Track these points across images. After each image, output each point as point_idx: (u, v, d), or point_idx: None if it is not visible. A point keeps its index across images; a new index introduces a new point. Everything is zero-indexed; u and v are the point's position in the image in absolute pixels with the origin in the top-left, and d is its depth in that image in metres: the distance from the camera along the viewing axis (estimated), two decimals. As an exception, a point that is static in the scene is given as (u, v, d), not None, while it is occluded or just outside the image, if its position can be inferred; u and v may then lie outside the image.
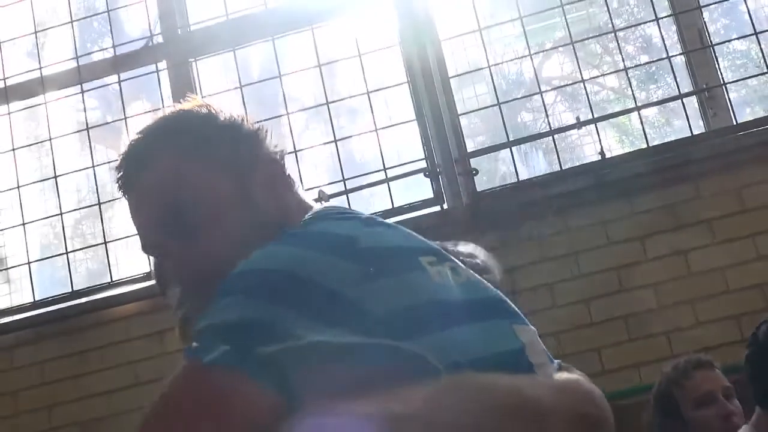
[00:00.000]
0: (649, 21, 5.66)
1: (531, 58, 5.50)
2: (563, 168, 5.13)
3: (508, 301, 1.55)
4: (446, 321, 1.39)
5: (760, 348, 3.14)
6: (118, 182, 1.67)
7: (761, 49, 5.28)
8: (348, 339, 1.29)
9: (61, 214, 5.56)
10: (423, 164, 5.14)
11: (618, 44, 5.69)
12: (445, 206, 5.04)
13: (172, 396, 1.28)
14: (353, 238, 1.42)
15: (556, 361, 1.55)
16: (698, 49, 5.12)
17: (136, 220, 1.64)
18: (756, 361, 3.16)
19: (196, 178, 1.61)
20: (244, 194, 1.62)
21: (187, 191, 1.60)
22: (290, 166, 1.73)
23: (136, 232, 1.65)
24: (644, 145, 5.12)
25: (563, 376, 1.49)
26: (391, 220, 4.56)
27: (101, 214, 5.51)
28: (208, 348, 1.27)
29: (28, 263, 5.48)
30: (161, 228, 1.59)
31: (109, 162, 6.05)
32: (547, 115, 5.55)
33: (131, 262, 5.51)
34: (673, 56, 5.29)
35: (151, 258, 1.80)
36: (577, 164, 5.41)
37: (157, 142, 1.65)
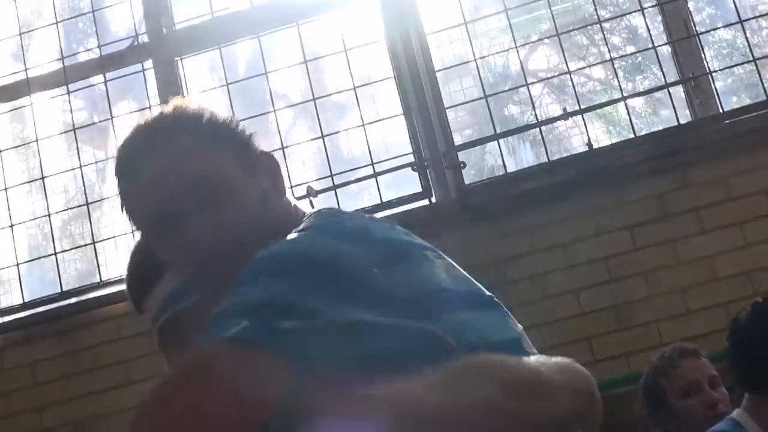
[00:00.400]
0: (635, 11, 5.68)
1: (517, 50, 5.50)
2: (551, 159, 5.14)
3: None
4: (457, 307, 1.45)
5: (743, 333, 3.13)
6: (124, 159, 1.69)
7: (746, 37, 5.29)
8: (368, 317, 1.33)
9: (48, 215, 5.55)
10: (411, 158, 5.15)
11: (604, 35, 5.69)
12: (434, 200, 5.04)
13: (190, 370, 1.30)
14: (367, 229, 1.49)
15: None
16: (684, 39, 5.13)
17: (145, 196, 1.63)
18: (741, 347, 3.15)
19: (213, 158, 1.65)
20: (254, 181, 1.67)
21: (206, 167, 1.63)
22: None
23: (140, 211, 1.65)
24: (632, 136, 5.12)
25: (559, 358, 1.53)
26: (379, 215, 4.55)
27: (89, 215, 5.51)
28: (228, 324, 1.29)
29: (17, 264, 5.48)
30: (181, 198, 1.60)
31: (96, 162, 6.04)
32: (533, 107, 5.56)
33: (120, 261, 5.49)
34: (659, 46, 5.29)
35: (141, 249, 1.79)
36: (565, 155, 5.41)
37: (172, 124, 1.68)
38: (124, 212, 1.72)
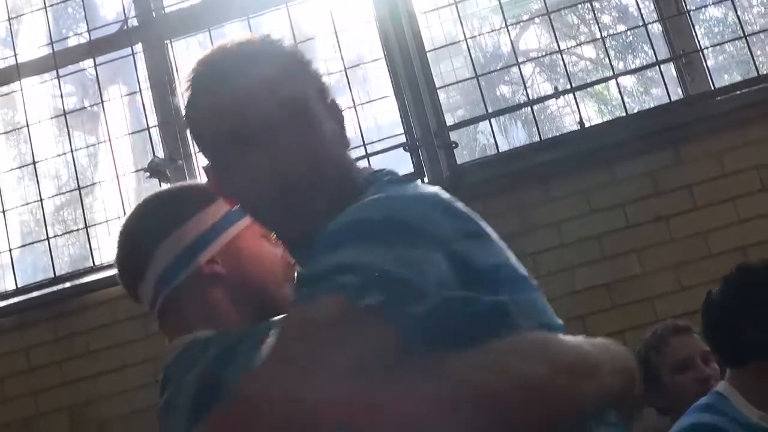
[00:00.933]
0: (625, -11, 5.67)
1: (507, 30, 5.49)
2: (543, 138, 5.13)
3: None
4: (520, 287, 1.50)
5: (715, 308, 3.11)
6: (208, 73, 1.68)
7: (737, 14, 5.29)
8: (464, 294, 1.38)
9: (40, 200, 5.53)
10: (402, 139, 5.13)
11: (594, 14, 5.68)
12: (426, 180, 5.03)
13: (326, 325, 1.29)
14: (446, 202, 1.51)
15: None
16: (674, 16, 5.11)
17: (230, 112, 1.62)
18: (715, 323, 3.13)
19: (302, 87, 1.66)
20: (330, 123, 1.69)
21: (295, 92, 1.63)
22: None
23: (221, 128, 1.63)
24: (623, 115, 5.12)
25: (598, 339, 1.56)
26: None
27: (81, 200, 5.49)
28: (361, 289, 1.29)
29: (10, 250, 5.46)
30: (269, 117, 1.60)
31: (87, 147, 6.03)
32: (525, 86, 5.55)
33: (113, 246, 5.48)
34: (649, 23, 5.28)
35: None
36: (557, 134, 5.41)
37: (263, 48, 1.70)
38: (194, 129, 1.71)
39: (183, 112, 1.73)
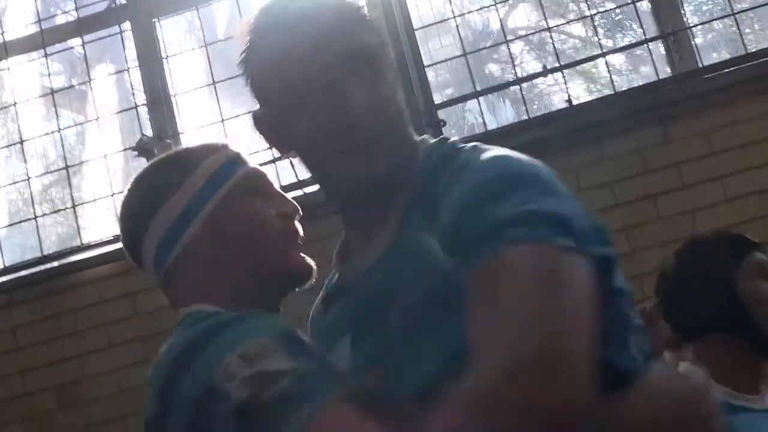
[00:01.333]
0: (614, -33, 5.66)
1: (496, 8, 5.48)
2: (531, 117, 5.13)
3: None
4: (614, 248, 1.56)
5: (671, 282, 3.09)
6: (279, 21, 1.66)
7: (726, -9, 5.28)
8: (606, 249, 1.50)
9: (28, 179, 5.53)
10: (391, 117, 5.11)
11: (583, -8, 5.67)
12: (415, 159, 5.01)
13: (564, 278, 1.32)
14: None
15: None
16: (663, -7, 5.11)
17: (306, 58, 1.60)
18: (671, 298, 3.11)
19: (368, 38, 1.66)
20: (392, 78, 1.69)
21: (370, 44, 1.65)
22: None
23: (291, 74, 1.61)
24: (612, 93, 5.12)
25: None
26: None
27: (69, 179, 5.48)
28: (557, 234, 1.34)
29: (-4, 229, 5.46)
30: (346, 65, 1.59)
31: (75, 125, 6.01)
32: (513, 65, 5.55)
33: (100, 225, 5.47)
34: (638, 1, 5.27)
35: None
36: (545, 112, 5.40)
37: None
38: (253, 75, 1.70)
39: (240, 58, 1.71)
